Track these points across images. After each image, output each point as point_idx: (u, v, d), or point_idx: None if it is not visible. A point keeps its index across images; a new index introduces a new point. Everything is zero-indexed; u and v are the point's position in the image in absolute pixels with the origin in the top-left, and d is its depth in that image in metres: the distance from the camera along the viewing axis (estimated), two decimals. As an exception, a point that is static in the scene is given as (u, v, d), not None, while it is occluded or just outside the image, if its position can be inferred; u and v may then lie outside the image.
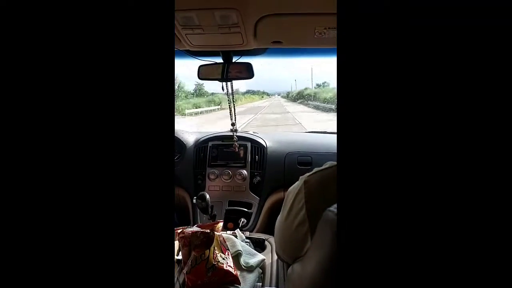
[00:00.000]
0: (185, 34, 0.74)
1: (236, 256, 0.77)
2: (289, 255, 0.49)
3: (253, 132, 1.41)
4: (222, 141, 1.31)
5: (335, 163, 0.45)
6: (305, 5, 0.62)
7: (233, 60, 0.98)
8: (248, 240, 0.91)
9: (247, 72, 0.96)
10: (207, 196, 1.00)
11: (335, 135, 1.30)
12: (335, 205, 0.32)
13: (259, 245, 0.94)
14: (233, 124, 1.19)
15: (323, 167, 0.46)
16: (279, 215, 0.53)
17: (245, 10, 0.63)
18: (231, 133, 1.27)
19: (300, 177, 0.47)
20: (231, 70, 0.97)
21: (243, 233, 0.95)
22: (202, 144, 1.33)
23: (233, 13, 0.63)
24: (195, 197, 1.03)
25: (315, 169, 0.46)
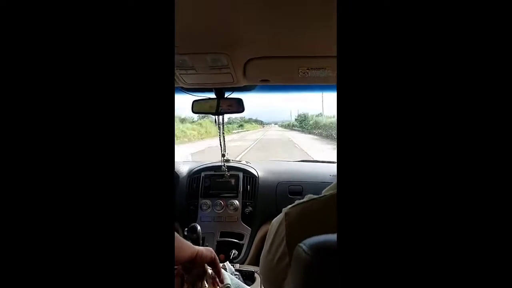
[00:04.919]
0: (179, 74, 0.80)
1: (225, 290, 0.76)
2: (272, 287, 0.49)
3: (246, 162, 1.44)
4: (214, 171, 1.34)
5: (315, 196, 0.46)
6: (288, 49, 0.69)
7: (225, 95, 1.05)
8: (238, 273, 0.90)
9: (238, 106, 1.02)
10: (198, 228, 1.00)
11: (327, 164, 1.33)
12: (308, 240, 0.32)
13: (249, 278, 0.92)
14: (223, 155, 1.23)
15: (304, 199, 0.46)
16: (264, 246, 0.53)
17: (234, 54, 0.69)
18: (222, 163, 1.30)
19: (283, 209, 0.47)
20: (223, 105, 1.03)
21: (233, 265, 0.94)
22: (195, 175, 1.35)
23: (223, 57, 0.70)
24: (186, 229, 1.03)
25: (296, 202, 0.46)
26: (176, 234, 0.55)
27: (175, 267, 0.71)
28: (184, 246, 0.57)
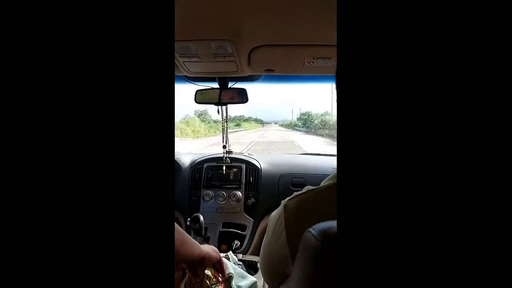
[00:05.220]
0: (183, 62, 0.79)
1: (228, 279, 0.76)
2: (272, 279, 0.49)
3: (248, 154, 1.44)
4: (217, 163, 1.33)
5: (313, 187, 0.46)
6: (294, 37, 0.68)
7: (229, 86, 1.03)
8: (241, 263, 0.90)
9: (241, 97, 1.01)
10: (201, 218, 1.00)
11: (329, 157, 1.32)
12: (317, 225, 0.32)
13: (252, 268, 0.93)
14: (224, 147, 1.23)
15: (302, 191, 0.46)
16: (264, 239, 0.53)
17: (239, 42, 0.68)
18: (226, 155, 1.30)
19: (282, 201, 0.47)
20: (226, 95, 1.02)
21: (236, 255, 0.95)
22: (197, 166, 1.35)
23: (228, 44, 0.69)
24: (189, 219, 1.03)
25: (294, 194, 0.46)
26: (184, 232, 0.56)
27: (182, 265, 0.72)
28: (193, 245, 0.58)
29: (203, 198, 1.27)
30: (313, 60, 0.78)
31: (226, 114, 1.14)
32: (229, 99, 1.04)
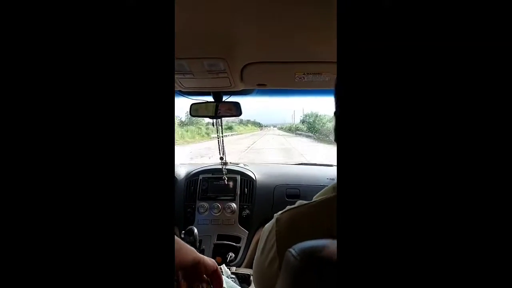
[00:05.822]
0: (177, 78, 0.81)
1: (220, 293, 0.76)
2: None
3: (243, 165, 1.45)
4: (212, 174, 1.34)
5: (305, 202, 0.46)
6: (284, 55, 0.70)
7: (223, 99, 1.05)
8: (234, 276, 0.90)
9: (235, 110, 1.03)
10: (195, 231, 1.00)
11: (324, 167, 1.33)
12: (297, 245, 0.32)
13: (245, 281, 0.92)
14: (221, 158, 1.24)
15: (295, 205, 0.47)
16: (257, 251, 0.54)
17: (231, 60, 0.70)
18: (221, 166, 1.30)
19: (274, 214, 0.48)
20: (221, 108, 1.04)
21: (229, 268, 0.95)
22: (193, 177, 1.35)
23: (221, 62, 0.71)
24: (183, 232, 1.03)
25: (287, 207, 0.47)
26: (177, 238, 0.55)
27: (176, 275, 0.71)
28: (186, 250, 0.57)
29: (198, 210, 1.28)
30: (304, 75, 0.80)
31: (221, 126, 1.16)
32: (223, 113, 1.06)
